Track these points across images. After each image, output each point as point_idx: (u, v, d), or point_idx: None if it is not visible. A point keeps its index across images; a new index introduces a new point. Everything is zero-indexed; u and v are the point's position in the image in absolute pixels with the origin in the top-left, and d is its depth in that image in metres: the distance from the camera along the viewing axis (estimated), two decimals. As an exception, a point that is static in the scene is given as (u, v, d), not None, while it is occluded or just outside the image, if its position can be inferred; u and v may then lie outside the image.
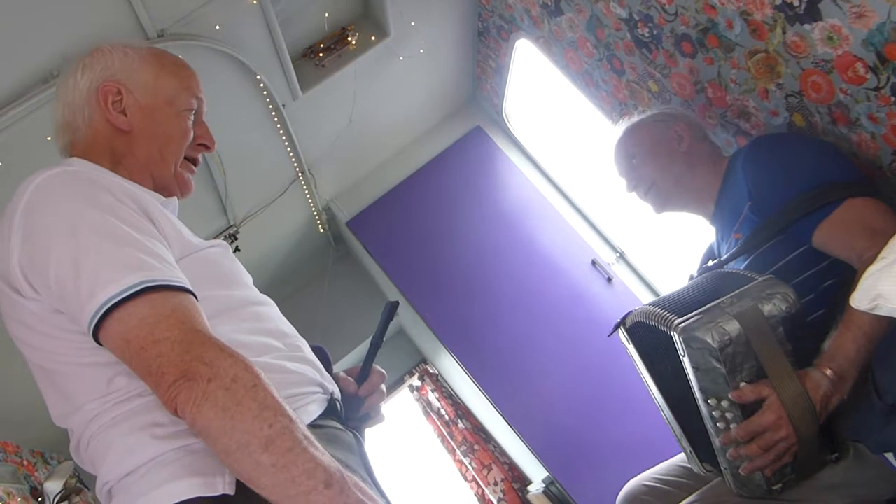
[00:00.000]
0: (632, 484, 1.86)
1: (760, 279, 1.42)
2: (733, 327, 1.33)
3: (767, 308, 1.34)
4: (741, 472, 1.40)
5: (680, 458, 1.83)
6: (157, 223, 1.06)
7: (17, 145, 2.15)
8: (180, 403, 0.88)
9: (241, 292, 1.15)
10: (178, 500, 0.91)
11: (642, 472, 1.92)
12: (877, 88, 1.54)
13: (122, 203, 1.03)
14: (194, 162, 1.32)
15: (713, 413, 1.40)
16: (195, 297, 0.99)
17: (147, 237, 1.01)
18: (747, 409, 1.36)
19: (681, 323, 1.37)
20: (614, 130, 2.03)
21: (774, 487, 1.40)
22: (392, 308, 1.35)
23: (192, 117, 1.29)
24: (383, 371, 1.34)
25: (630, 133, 1.97)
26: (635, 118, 1.99)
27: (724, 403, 1.38)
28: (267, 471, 0.85)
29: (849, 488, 1.43)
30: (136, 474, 0.96)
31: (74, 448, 1.06)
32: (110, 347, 0.94)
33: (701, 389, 1.39)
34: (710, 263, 1.70)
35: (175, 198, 1.28)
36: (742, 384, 1.35)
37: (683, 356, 1.38)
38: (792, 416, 1.32)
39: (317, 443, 0.90)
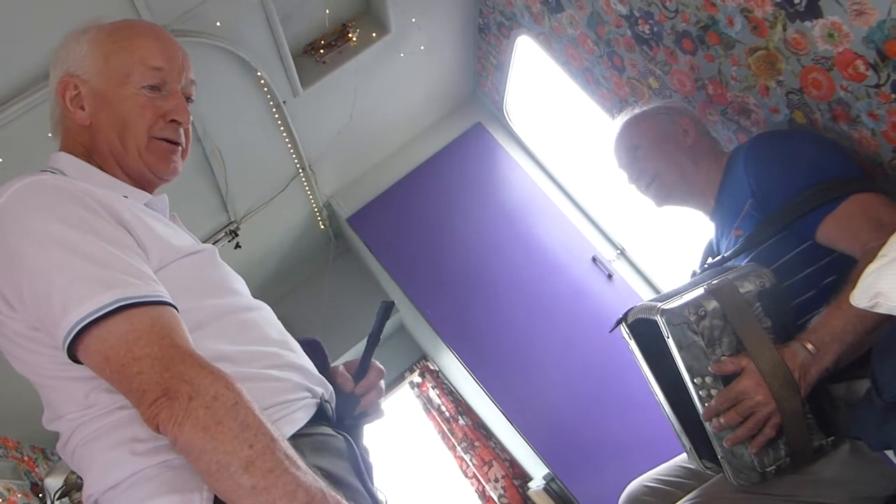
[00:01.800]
0: (633, 485, 1.86)
1: (743, 267, 1.47)
2: (709, 302, 1.39)
3: (743, 285, 1.40)
4: (725, 445, 1.41)
5: (681, 459, 1.84)
6: (133, 232, 1.03)
7: (18, 141, 2.15)
8: (162, 422, 0.87)
9: (226, 300, 1.12)
10: None
11: (643, 468, 1.92)
12: (877, 85, 1.54)
13: (95, 214, 1.00)
14: (173, 142, 1.22)
15: (700, 393, 1.42)
16: (176, 308, 0.98)
17: (122, 250, 0.98)
18: (729, 384, 1.40)
19: (663, 306, 1.43)
20: (615, 122, 2.02)
21: (768, 469, 1.40)
22: (387, 308, 1.35)
23: (152, 92, 1.19)
24: (382, 367, 1.33)
25: (634, 125, 1.95)
26: (637, 110, 1.98)
27: (708, 380, 1.41)
28: (247, 492, 0.85)
29: (848, 485, 1.43)
30: (118, 489, 0.96)
31: (62, 448, 1.06)
32: (90, 365, 0.93)
33: (687, 369, 1.42)
34: (713, 260, 1.70)
35: (164, 196, 1.24)
36: (722, 358, 1.39)
37: (668, 338, 1.42)
38: (770, 385, 1.34)
39: (299, 462, 0.90)
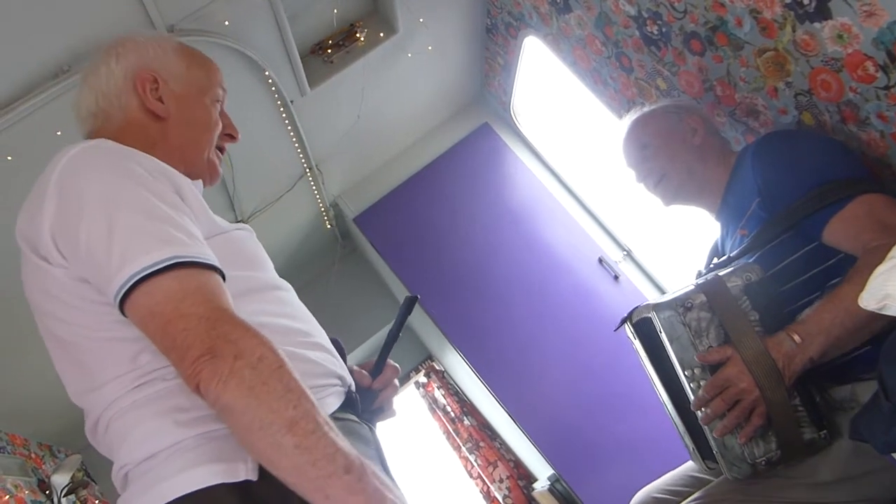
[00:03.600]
0: (640, 496, 1.86)
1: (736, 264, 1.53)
2: (697, 296, 1.46)
3: (730, 279, 1.46)
4: (715, 435, 1.44)
5: (687, 467, 1.83)
6: (187, 200, 1.07)
7: (27, 140, 2.16)
8: (204, 379, 0.87)
9: (264, 275, 1.16)
10: (199, 487, 0.91)
11: (648, 469, 1.92)
12: (886, 87, 1.54)
13: (155, 178, 1.04)
14: (221, 151, 1.36)
15: (691, 385, 1.46)
16: (223, 276, 0.99)
17: (178, 213, 1.01)
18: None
19: (656, 301, 1.50)
20: (623, 121, 2.02)
21: (758, 461, 1.43)
22: (411, 302, 1.33)
23: (219, 108, 1.33)
24: (397, 366, 1.33)
25: (642, 123, 1.95)
26: (646, 109, 1.98)
27: (697, 371, 1.45)
28: (288, 452, 0.85)
29: (852, 488, 1.43)
30: (155, 459, 0.95)
31: (91, 429, 1.05)
32: (135, 320, 0.94)
33: (678, 361, 1.46)
34: (718, 261, 1.70)
35: (200, 182, 1.30)
36: (709, 348, 1.44)
37: (661, 332, 1.47)
38: (754, 373, 1.38)
39: (336, 429, 0.90)
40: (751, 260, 1.60)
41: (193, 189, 1.11)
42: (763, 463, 1.43)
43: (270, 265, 1.22)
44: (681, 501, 1.76)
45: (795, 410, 1.40)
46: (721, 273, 1.48)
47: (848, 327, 1.34)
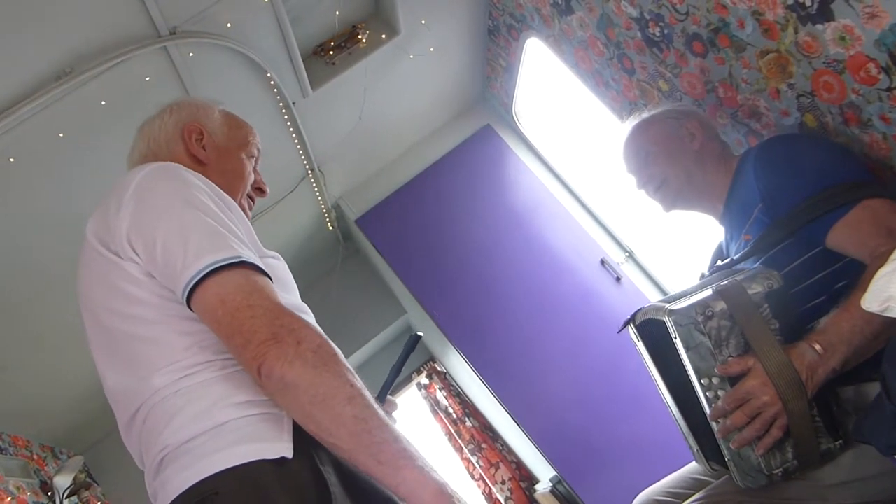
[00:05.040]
0: (642, 499, 1.86)
1: (752, 269, 1.48)
2: (717, 303, 1.40)
3: (751, 286, 1.41)
4: (732, 447, 1.41)
5: (689, 469, 1.83)
6: (237, 220, 1.21)
7: (29, 141, 2.17)
8: (269, 359, 0.98)
9: (294, 299, 1.29)
10: (241, 462, 1.01)
11: (650, 470, 1.92)
12: (889, 89, 1.54)
13: (217, 196, 1.20)
14: (252, 200, 1.54)
15: (707, 394, 1.42)
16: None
17: (236, 227, 1.16)
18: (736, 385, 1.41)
19: (671, 307, 1.44)
20: (624, 127, 2.02)
21: (775, 472, 1.40)
22: (414, 341, 1.41)
23: (253, 163, 1.52)
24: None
25: (642, 129, 1.95)
26: (646, 114, 1.98)
27: (715, 381, 1.41)
28: (347, 422, 0.96)
29: (857, 490, 1.43)
30: (198, 440, 1.05)
31: (126, 424, 1.15)
32: (202, 307, 1.05)
33: (694, 370, 1.43)
34: (721, 263, 1.70)
35: None
36: (729, 359, 1.40)
37: (675, 338, 1.43)
38: (777, 385, 1.35)
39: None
40: (755, 264, 1.60)
41: (241, 213, 1.27)
42: (780, 474, 1.41)
43: (297, 292, 1.34)
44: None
45: (813, 420, 1.38)
46: (739, 279, 1.44)
47: (867, 335, 1.33)
